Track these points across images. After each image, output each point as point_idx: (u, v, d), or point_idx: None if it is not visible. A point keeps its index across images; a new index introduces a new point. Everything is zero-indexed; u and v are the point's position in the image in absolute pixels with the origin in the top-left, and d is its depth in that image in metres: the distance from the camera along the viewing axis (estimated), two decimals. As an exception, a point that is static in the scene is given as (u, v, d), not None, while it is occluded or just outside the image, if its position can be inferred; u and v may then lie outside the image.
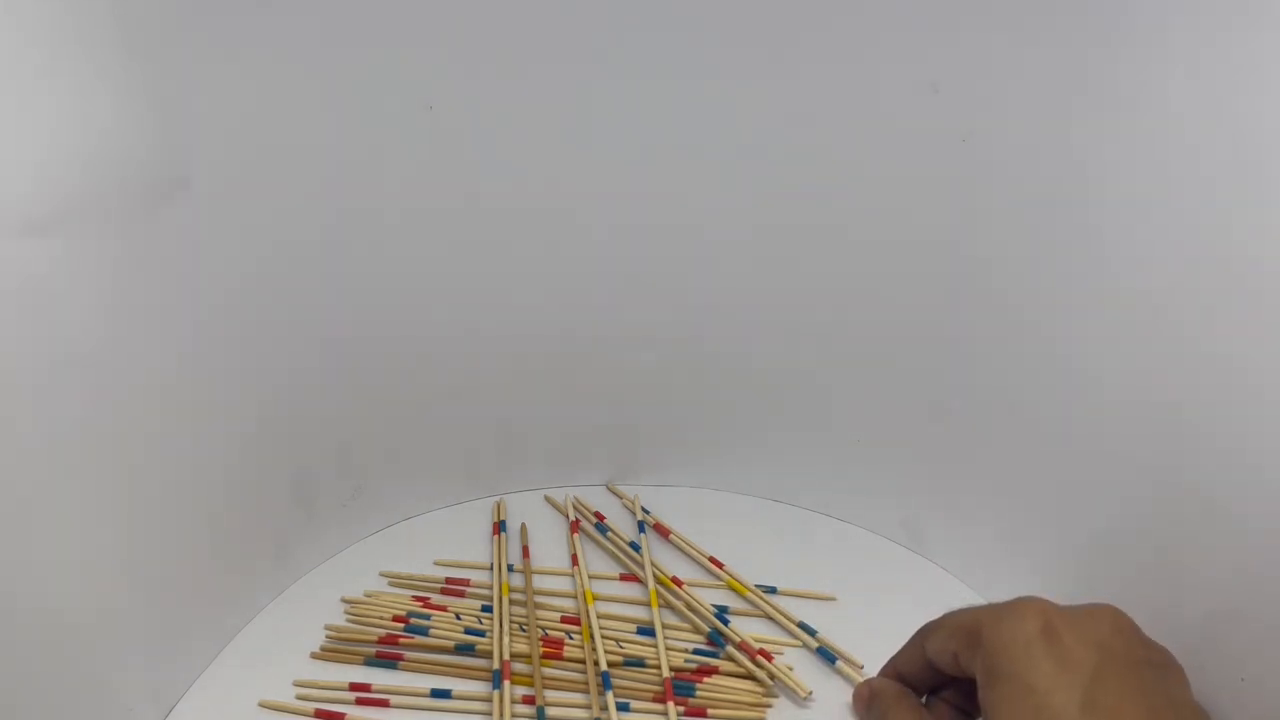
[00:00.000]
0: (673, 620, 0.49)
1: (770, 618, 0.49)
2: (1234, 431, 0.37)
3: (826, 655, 0.47)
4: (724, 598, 0.51)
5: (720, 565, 0.52)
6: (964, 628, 0.32)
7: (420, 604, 0.49)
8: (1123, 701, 0.29)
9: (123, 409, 0.38)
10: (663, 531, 0.53)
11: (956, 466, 0.51)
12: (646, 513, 0.56)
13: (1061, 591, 0.33)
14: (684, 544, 0.53)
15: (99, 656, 0.39)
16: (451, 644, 0.47)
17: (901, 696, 0.36)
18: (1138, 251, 0.40)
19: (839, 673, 0.46)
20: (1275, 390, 0.36)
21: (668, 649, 0.47)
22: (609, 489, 0.58)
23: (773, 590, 0.51)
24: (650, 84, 0.45)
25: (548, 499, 0.58)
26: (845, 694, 0.45)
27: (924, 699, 0.36)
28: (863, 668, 0.46)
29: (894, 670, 0.37)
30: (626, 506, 0.57)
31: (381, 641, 0.47)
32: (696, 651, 0.47)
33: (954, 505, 0.51)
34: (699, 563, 0.53)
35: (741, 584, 0.51)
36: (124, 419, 0.38)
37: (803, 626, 0.48)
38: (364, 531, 0.54)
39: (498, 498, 0.57)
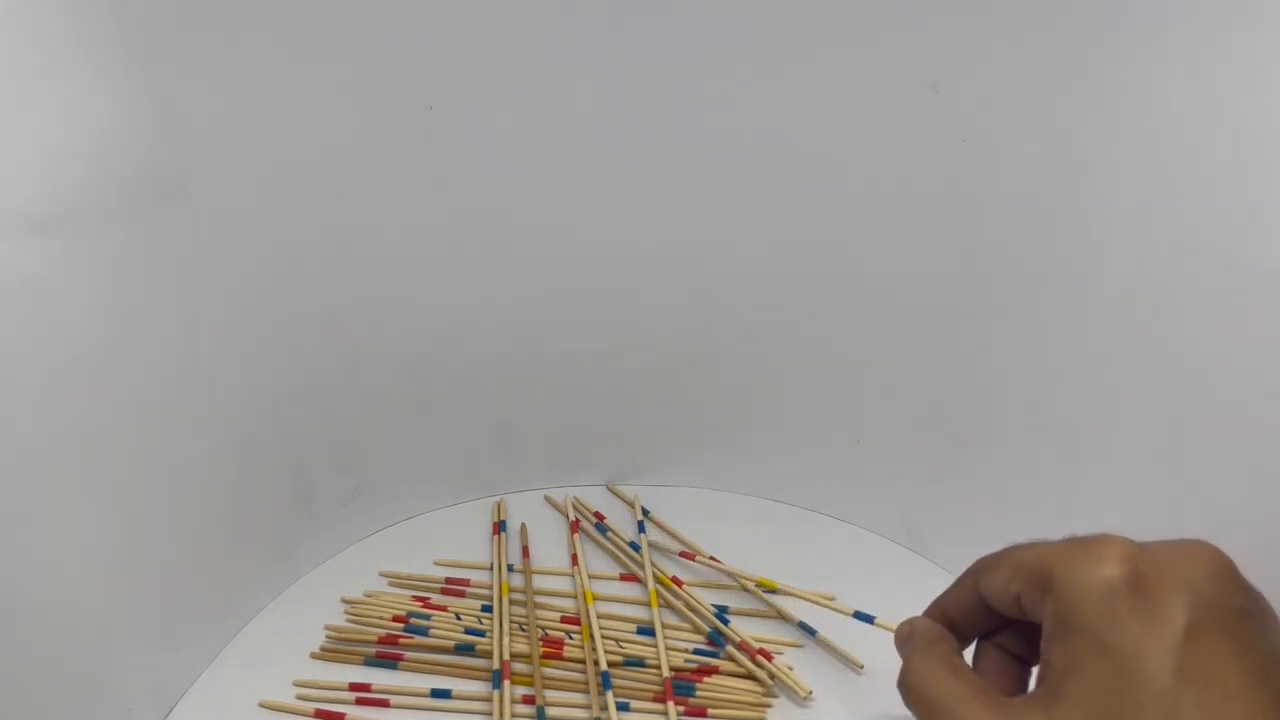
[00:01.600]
0: (673, 620, 0.49)
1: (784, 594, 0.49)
2: (1234, 432, 0.38)
3: (864, 617, 0.46)
4: (724, 598, 0.51)
5: (718, 562, 0.52)
6: (1031, 569, 0.28)
7: (420, 604, 0.49)
8: (1222, 665, 0.24)
9: (123, 409, 0.38)
10: (688, 557, 0.53)
11: (957, 466, 0.51)
12: (646, 513, 0.56)
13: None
14: (705, 562, 0.52)
15: (99, 656, 0.39)
16: (451, 644, 0.47)
17: (936, 640, 0.31)
18: (1138, 251, 0.40)
19: (881, 627, 0.45)
20: (1275, 390, 0.36)
21: (668, 649, 0.47)
22: (609, 489, 0.58)
23: (773, 590, 0.51)
24: (650, 85, 0.45)
25: (548, 499, 0.58)
26: (846, 693, 0.45)
27: (973, 645, 0.31)
28: (863, 667, 0.46)
29: (940, 611, 0.32)
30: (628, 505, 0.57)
31: (381, 641, 0.47)
32: (696, 651, 0.47)
33: (954, 505, 0.51)
34: (702, 569, 0.53)
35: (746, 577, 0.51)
36: (124, 419, 0.38)
37: (802, 626, 0.48)
38: (364, 531, 0.54)
39: (498, 498, 0.57)
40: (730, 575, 0.51)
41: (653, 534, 0.54)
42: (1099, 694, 0.25)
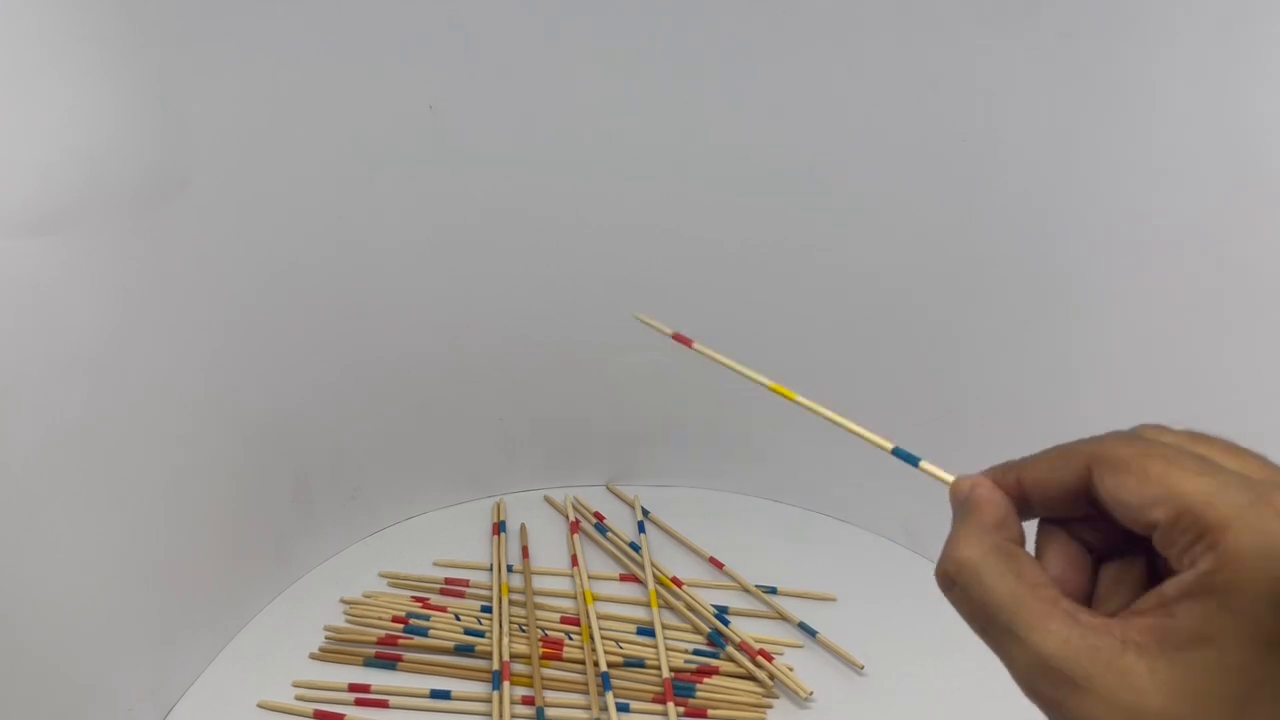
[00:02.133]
0: (673, 620, 0.49)
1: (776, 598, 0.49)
2: (1234, 432, 0.37)
3: (907, 456, 0.41)
4: (724, 597, 0.51)
5: (720, 566, 0.52)
6: (1193, 510, 0.21)
7: (420, 604, 0.49)
8: None
9: (123, 409, 0.38)
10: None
11: (957, 466, 0.51)
12: (646, 513, 0.56)
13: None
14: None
15: (99, 656, 0.39)
16: (451, 645, 0.47)
17: (1001, 523, 0.24)
18: (1138, 251, 0.40)
19: (926, 471, 0.39)
20: (1276, 390, 0.36)
21: (668, 649, 0.47)
22: (609, 489, 0.58)
23: (773, 590, 0.51)
24: (650, 85, 0.45)
25: (548, 499, 0.58)
26: (847, 692, 0.45)
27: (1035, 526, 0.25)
28: (863, 668, 0.46)
29: (1015, 479, 0.25)
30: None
31: (381, 642, 0.47)
32: (696, 652, 0.47)
33: (954, 505, 0.51)
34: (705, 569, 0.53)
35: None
36: (125, 419, 0.38)
37: (802, 626, 0.48)
38: (364, 531, 0.54)
39: (497, 498, 0.57)
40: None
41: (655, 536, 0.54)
42: (1226, 679, 0.20)
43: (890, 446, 0.31)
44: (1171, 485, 0.21)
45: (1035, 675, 0.21)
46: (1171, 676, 0.20)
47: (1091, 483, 0.23)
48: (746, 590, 0.51)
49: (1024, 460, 0.25)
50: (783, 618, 0.49)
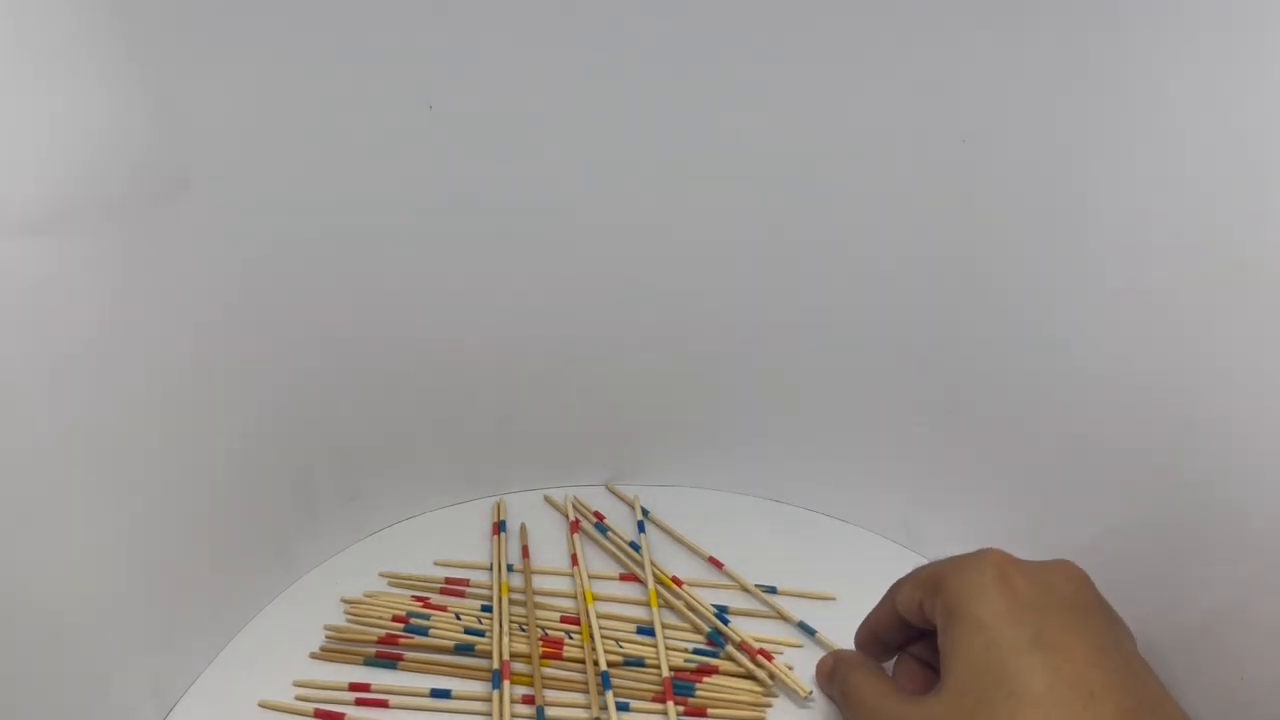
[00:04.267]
0: (673, 620, 0.49)
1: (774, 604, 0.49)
2: (1234, 431, 0.37)
3: (806, 629, 0.46)
4: (724, 597, 0.51)
5: (720, 566, 0.52)
6: (928, 578, 0.35)
7: (420, 604, 0.49)
8: (1070, 637, 0.31)
9: (122, 409, 0.38)
10: (716, 564, 0.53)
11: (957, 466, 0.51)
12: (646, 513, 0.56)
13: (1061, 591, 0.33)
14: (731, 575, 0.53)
15: (99, 656, 0.39)
16: (451, 644, 0.47)
17: (861, 662, 0.40)
18: (1138, 251, 0.40)
19: (820, 643, 0.46)
20: (1276, 390, 0.36)
21: (667, 649, 0.47)
22: (609, 489, 0.58)
23: (773, 590, 0.51)
24: (651, 84, 0.45)
25: (548, 499, 0.58)
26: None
27: (894, 659, 0.40)
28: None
29: (868, 627, 0.41)
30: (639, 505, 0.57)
31: (381, 642, 0.47)
32: (696, 651, 0.47)
33: (954, 505, 0.51)
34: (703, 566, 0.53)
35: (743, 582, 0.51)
36: (124, 419, 0.38)
37: (802, 626, 0.48)
38: (364, 531, 0.54)
39: (498, 498, 0.57)
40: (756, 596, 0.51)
41: (656, 535, 0.54)
42: (975, 661, 0.31)
43: (796, 620, 0.48)
44: (917, 576, 0.37)
45: None
46: (955, 682, 0.32)
47: (897, 612, 0.38)
48: (746, 590, 0.51)
49: (869, 613, 0.41)
50: (782, 617, 0.49)
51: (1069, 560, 0.35)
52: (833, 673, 0.41)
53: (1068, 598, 0.33)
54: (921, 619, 0.36)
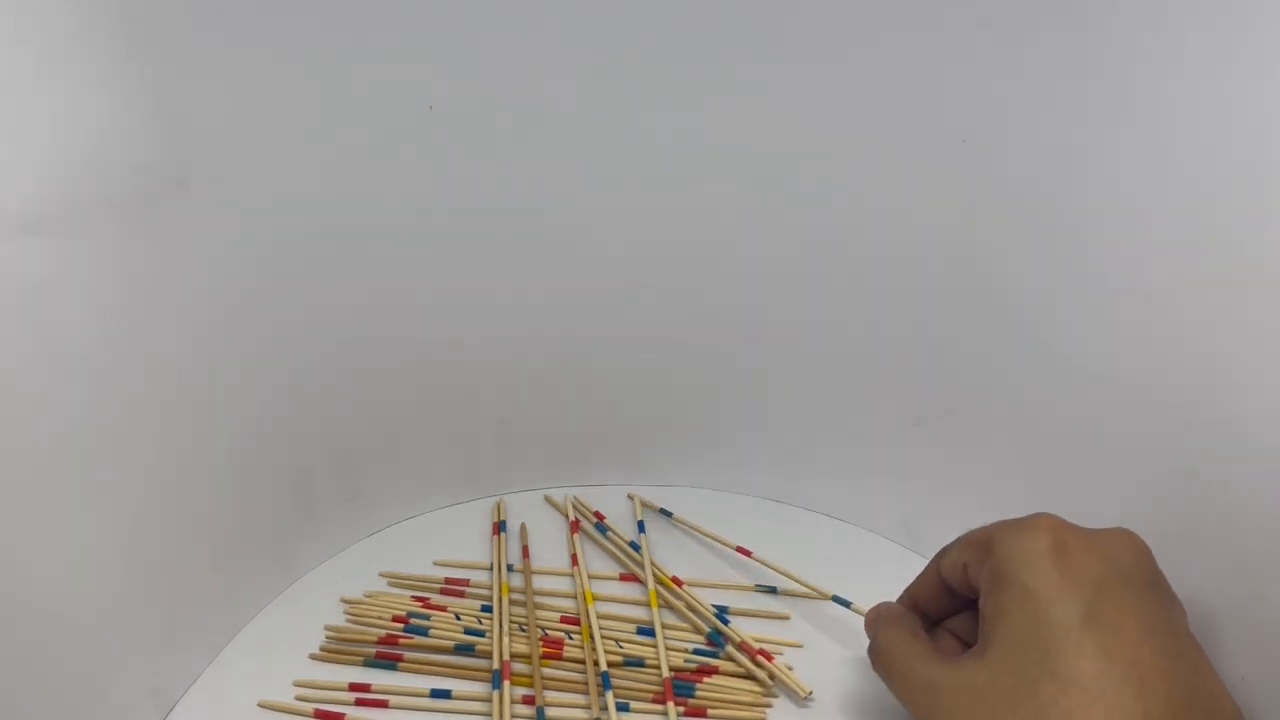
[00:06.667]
0: (673, 620, 0.49)
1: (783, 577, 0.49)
2: (1234, 431, 0.37)
3: (842, 602, 0.47)
4: (724, 597, 0.51)
5: (749, 554, 0.52)
6: (977, 541, 0.34)
7: (420, 604, 0.49)
8: (1124, 616, 0.29)
9: (122, 409, 0.38)
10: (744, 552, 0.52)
11: (957, 466, 0.51)
12: (668, 514, 0.56)
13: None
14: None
15: (99, 656, 0.39)
16: (451, 644, 0.47)
17: (899, 617, 0.38)
18: (1138, 251, 0.40)
19: (856, 613, 0.45)
20: (1276, 390, 0.36)
21: (668, 649, 0.47)
22: (608, 489, 0.58)
23: (773, 590, 0.51)
24: (651, 84, 0.45)
25: (548, 499, 0.58)
26: (846, 692, 0.45)
27: (934, 628, 0.38)
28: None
29: (909, 596, 0.39)
30: (646, 505, 0.57)
31: (381, 642, 0.47)
32: (696, 651, 0.47)
33: (954, 505, 0.51)
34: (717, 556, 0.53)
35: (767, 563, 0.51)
36: (124, 419, 0.38)
37: (837, 599, 0.48)
38: (364, 531, 0.54)
39: (498, 498, 0.57)
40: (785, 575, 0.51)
41: (656, 536, 0.54)
42: (1020, 633, 0.30)
43: (830, 595, 0.47)
44: (966, 539, 0.35)
45: (918, 696, 0.33)
46: (997, 653, 0.30)
47: (941, 578, 0.36)
48: (746, 590, 0.51)
49: (913, 581, 0.39)
50: (782, 618, 0.49)
51: (1127, 529, 0.32)
52: (872, 626, 0.38)
53: (1125, 571, 0.30)
54: (966, 585, 0.34)
